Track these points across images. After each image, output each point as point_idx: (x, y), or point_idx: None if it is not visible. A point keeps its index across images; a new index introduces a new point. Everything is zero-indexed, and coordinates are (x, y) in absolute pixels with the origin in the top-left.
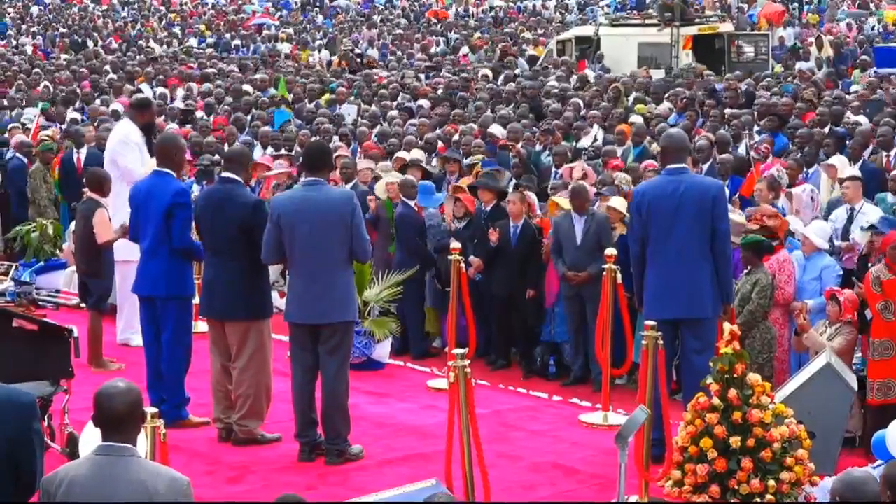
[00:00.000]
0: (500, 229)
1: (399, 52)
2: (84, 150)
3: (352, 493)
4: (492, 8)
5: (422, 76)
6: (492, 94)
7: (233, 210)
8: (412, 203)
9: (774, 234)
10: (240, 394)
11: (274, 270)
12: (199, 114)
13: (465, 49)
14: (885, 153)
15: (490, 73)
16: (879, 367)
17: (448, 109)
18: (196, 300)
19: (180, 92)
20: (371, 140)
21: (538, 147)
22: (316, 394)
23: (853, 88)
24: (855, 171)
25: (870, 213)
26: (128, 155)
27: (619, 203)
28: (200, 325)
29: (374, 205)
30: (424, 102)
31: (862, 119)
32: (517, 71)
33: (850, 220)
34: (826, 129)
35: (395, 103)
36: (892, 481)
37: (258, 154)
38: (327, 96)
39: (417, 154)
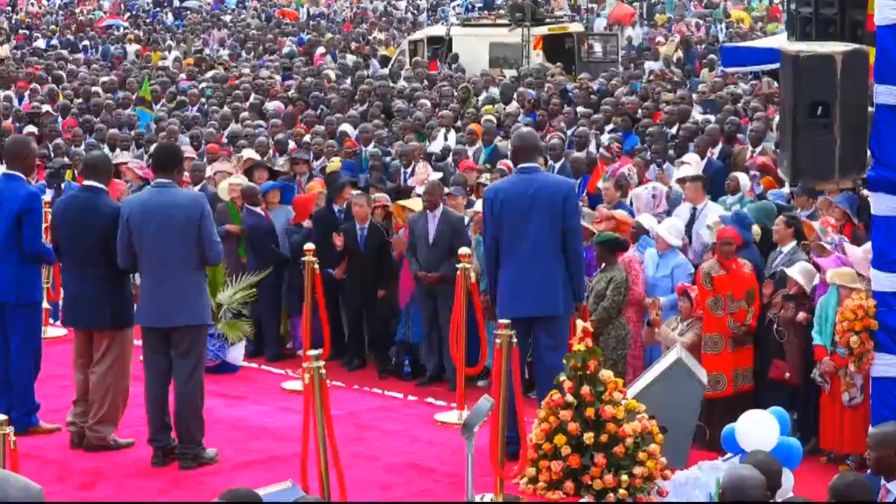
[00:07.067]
0: (346, 233)
1: (253, 53)
2: None
3: (207, 497)
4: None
5: (276, 77)
6: (344, 94)
7: (96, 219)
8: (258, 209)
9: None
10: (96, 398)
11: None
12: (46, 109)
13: (320, 49)
14: (751, 149)
15: (332, 74)
16: (710, 361)
17: (300, 110)
18: (45, 305)
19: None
20: (223, 141)
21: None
22: (169, 397)
23: (700, 87)
24: (690, 172)
25: (713, 212)
26: None
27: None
28: (50, 331)
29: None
30: (277, 103)
31: (710, 117)
32: (369, 71)
33: (693, 219)
34: (674, 129)
35: (247, 104)
36: (838, 492)
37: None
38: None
39: (251, 153)
